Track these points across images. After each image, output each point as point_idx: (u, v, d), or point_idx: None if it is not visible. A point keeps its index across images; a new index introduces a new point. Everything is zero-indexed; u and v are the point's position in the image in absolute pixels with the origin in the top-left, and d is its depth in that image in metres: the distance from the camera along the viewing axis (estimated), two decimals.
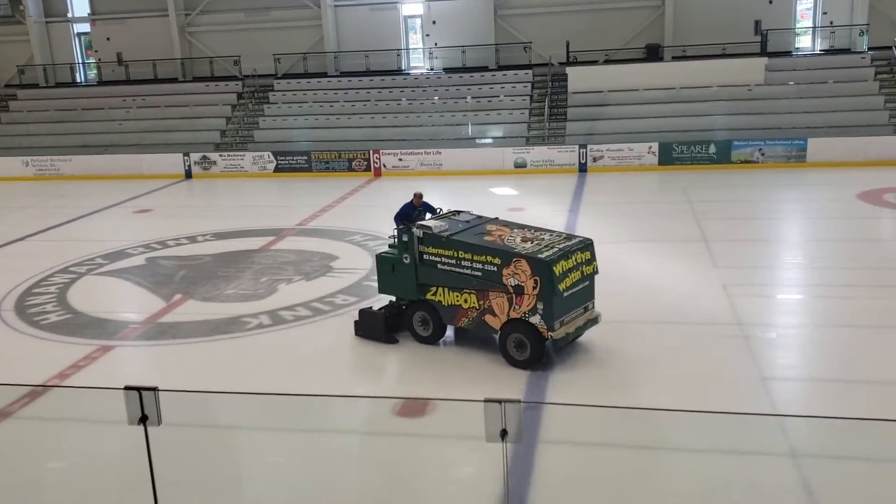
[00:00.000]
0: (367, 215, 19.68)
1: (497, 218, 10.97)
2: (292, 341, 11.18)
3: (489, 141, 26.32)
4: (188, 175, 26.85)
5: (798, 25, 28.31)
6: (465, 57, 29.28)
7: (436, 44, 30.13)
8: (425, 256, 10.00)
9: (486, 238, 9.84)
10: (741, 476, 7.16)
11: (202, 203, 24.24)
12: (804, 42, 28.42)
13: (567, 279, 9.34)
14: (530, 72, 28.21)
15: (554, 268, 9.13)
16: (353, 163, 25.78)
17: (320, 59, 30.53)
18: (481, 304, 9.64)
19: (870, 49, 26.07)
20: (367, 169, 25.65)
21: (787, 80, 25.67)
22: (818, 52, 27.79)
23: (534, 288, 9.16)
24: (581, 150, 24.24)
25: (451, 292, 9.86)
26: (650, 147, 23.82)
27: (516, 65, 28.88)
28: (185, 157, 26.88)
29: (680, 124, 24.74)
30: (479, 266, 9.53)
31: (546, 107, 26.55)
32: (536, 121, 26.55)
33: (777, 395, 8.78)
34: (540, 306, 9.20)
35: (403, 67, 30.44)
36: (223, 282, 14.05)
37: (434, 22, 30.13)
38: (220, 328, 11.70)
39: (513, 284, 9.31)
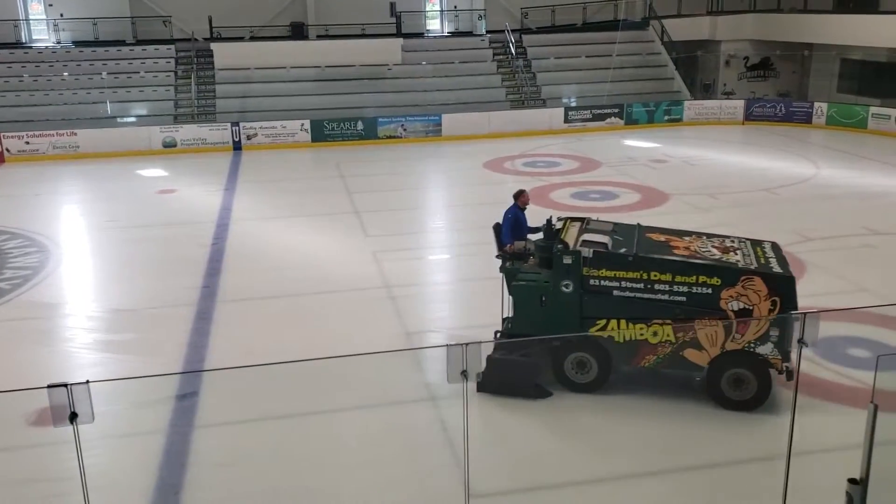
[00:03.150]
0: None
1: (639, 224, 9.05)
2: None
3: (132, 120, 24.73)
4: None
5: (428, 8, 30.80)
6: (98, 30, 27.01)
7: (61, 14, 27.32)
8: (592, 282, 7.98)
9: (678, 252, 8.10)
10: (398, 422, 7.95)
11: None
12: (434, 24, 31.02)
13: None
14: (172, 47, 26.98)
15: (796, 284, 7.75)
16: None
17: None
18: (680, 337, 7.76)
19: (488, 32, 29.32)
20: None
21: (421, 61, 27.87)
22: (446, 34, 30.56)
23: (770, 310, 7.58)
24: (234, 129, 23.93)
25: (631, 325, 7.88)
26: (302, 125, 24.34)
27: (156, 39, 27.39)
28: None
29: (329, 102, 25.63)
30: (684, 289, 7.71)
31: (193, 84, 25.66)
32: (184, 98, 25.55)
33: (416, 343, 9.78)
34: (774, 333, 7.54)
35: (24, 40, 27.15)
36: None
37: None
38: None
39: (734, 308, 7.65)
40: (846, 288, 11.42)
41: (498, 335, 8.83)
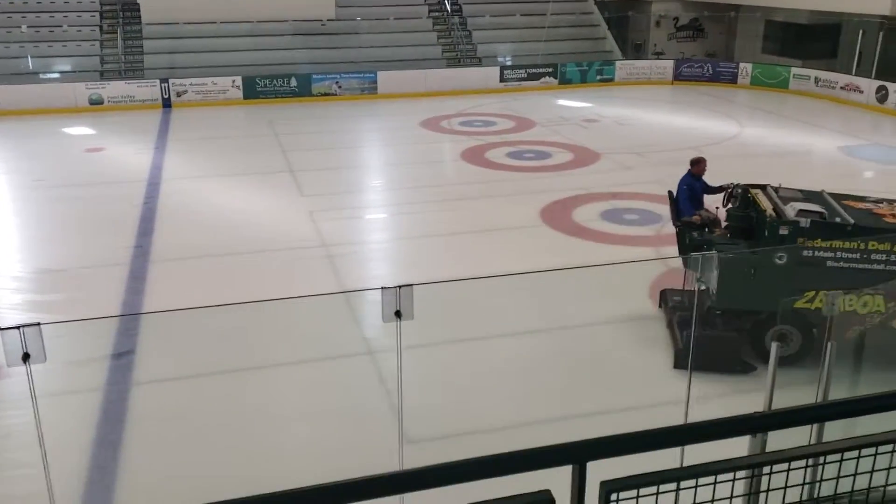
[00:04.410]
0: None
1: (824, 190, 8.75)
2: None
3: (56, 76, 23.86)
4: None
5: None
6: None
7: None
8: (806, 253, 7.68)
9: (887, 220, 7.93)
10: (335, 373, 8.18)
11: None
12: None
13: None
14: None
15: None
16: None
17: None
18: (891, 307, 7.49)
19: None
20: None
21: (356, 16, 27.54)
22: None
23: None
24: (163, 85, 23.34)
25: (840, 297, 7.62)
26: (234, 81, 23.89)
27: None
28: None
29: (262, 58, 25.17)
30: None
31: (119, 38, 24.84)
32: (110, 53, 24.73)
33: (353, 301, 9.99)
34: None
35: None
36: None
37: None
38: None
39: None
40: None
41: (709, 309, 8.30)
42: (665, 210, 13.28)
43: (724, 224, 8.84)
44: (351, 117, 22.27)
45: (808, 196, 8.48)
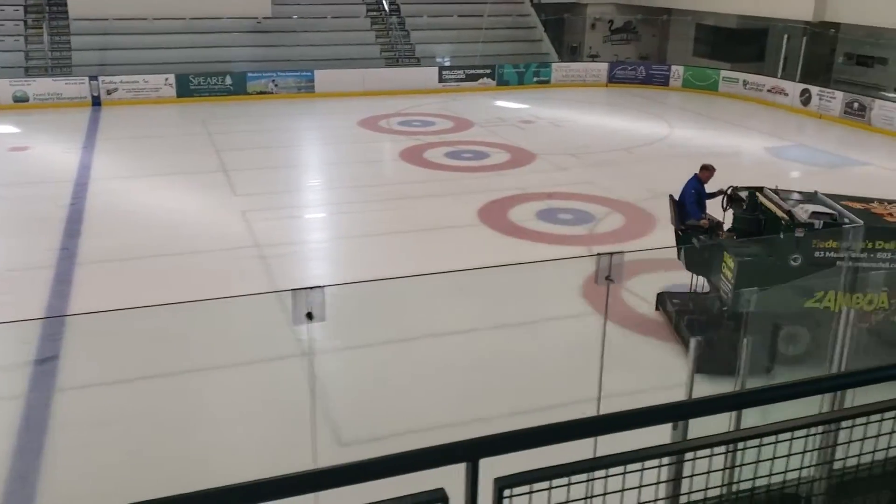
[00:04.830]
0: None
1: (817, 191, 8.81)
2: None
3: None
4: None
5: None
6: None
7: None
8: (817, 254, 7.81)
9: (888, 219, 8.10)
10: (266, 376, 8.09)
11: None
12: None
13: None
14: None
15: None
16: None
17: None
18: (894, 303, 7.74)
19: None
20: None
21: (292, 14, 27.25)
22: None
23: None
24: (92, 83, 22.69)
25: (848, 296, 7.79)
26: (167, 79, 23.39)
27: None
28: None
29: (196, 56, 24.67)
30: None
31: (45, 34, 24.03)
32: (36, 49, 23.91)
33: (286, 302, 9.87)
34: None
35: None
36: None
37: None
38: None
39: None
40: None
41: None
42: (597, 210, 13.60)
43: (726, 227, 9.01)
44: (288, 116, 22.03)
45: (808, 197, 8.60)
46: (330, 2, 28.02)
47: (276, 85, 24.40)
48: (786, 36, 24.70)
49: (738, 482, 2.77)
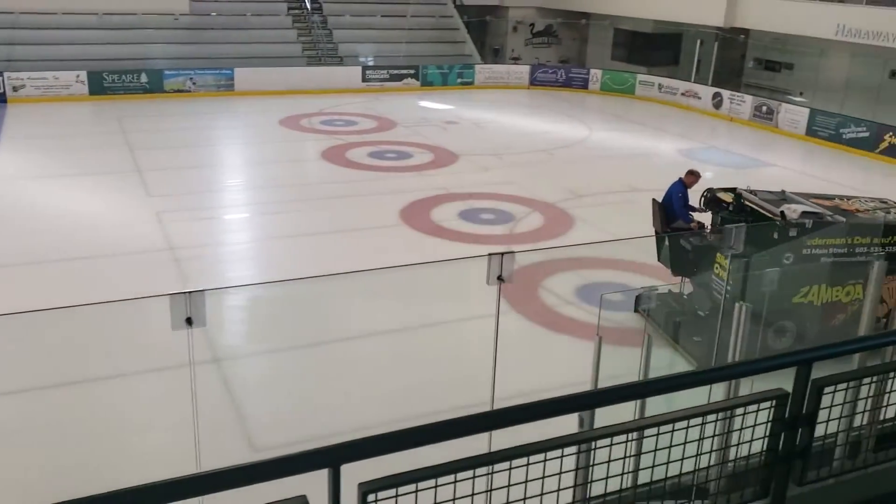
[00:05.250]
0: None
1: (784, 190, 9.08)
2: None
3: None
4: None
5: None
6: None
7: None
8: (805, 251, 8.04)
9: (862, 214, 8.40)
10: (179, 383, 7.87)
11: None
12: None
13: None
14: None
15: None
16: None
17: None
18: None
19: None
20: None
21: (211, 11, 26.65)
22: None
23: None
24: None
25: (829, 289, 8.08)
26: (78, 76, 22.53)
27: None
28: None
29: (110, 52, 23.85)
30: (877, 250, 8.10)
31: None
32: None
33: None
34: None
35: None
36: None
37: None
38: None
39: None
40: (607, 237, 12.66)
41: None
42: (518, 210, 13.76)
43: (709, 229, 9.23)
44: (206, 115, 21.53)
45: (782, 197, 8.91)
46: (250, 0, 27.53)
47: (194, 83, 23.80)
48: (699, 41, 25.56)
49: (640, 470, 2.85)
